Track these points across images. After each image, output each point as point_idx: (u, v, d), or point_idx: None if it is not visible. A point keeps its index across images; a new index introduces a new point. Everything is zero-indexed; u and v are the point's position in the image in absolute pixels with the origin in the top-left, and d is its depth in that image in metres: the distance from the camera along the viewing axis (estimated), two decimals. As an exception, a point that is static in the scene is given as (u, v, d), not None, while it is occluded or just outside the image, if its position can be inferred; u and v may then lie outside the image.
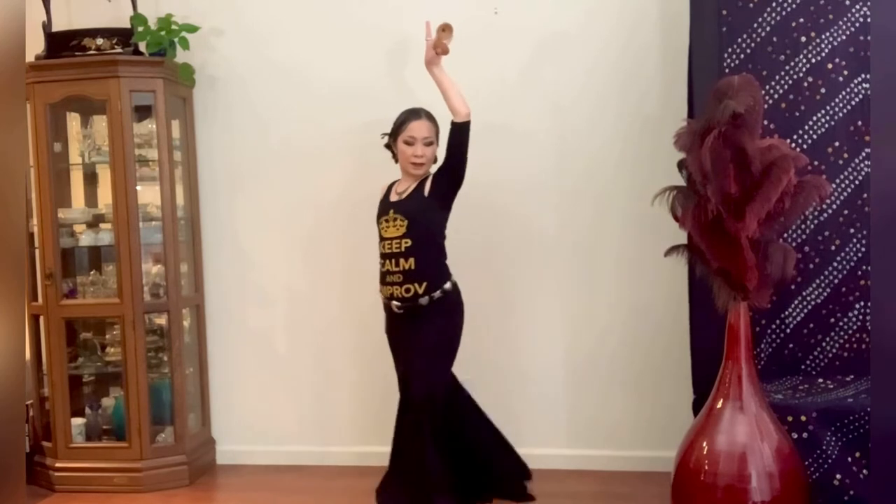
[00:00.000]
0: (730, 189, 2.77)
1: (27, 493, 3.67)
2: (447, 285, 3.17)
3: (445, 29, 3.17)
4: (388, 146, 3.30)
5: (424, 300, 3.13)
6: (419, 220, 3.15)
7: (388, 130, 3.27)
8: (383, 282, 3.21)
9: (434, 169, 3.25)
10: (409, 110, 3.24)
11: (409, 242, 3.12)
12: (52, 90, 3.79)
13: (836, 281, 3.30)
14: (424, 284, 3.12)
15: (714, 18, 3.30)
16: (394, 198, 3.25)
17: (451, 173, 3.16)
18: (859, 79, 3.26)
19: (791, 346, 3.33)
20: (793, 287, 3.26)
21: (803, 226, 3.29)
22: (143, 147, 3.89)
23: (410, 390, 3.19)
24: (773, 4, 3.29)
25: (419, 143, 3.18)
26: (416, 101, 3.41)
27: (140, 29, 3.82)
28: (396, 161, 3.29)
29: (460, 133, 3.12)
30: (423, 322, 3.16)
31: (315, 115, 4.03)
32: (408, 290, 3.13)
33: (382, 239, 3.21)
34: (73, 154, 4.08)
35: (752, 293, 2.82)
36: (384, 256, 3.19)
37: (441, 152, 3.22)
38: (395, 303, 3.17)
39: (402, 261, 3.12)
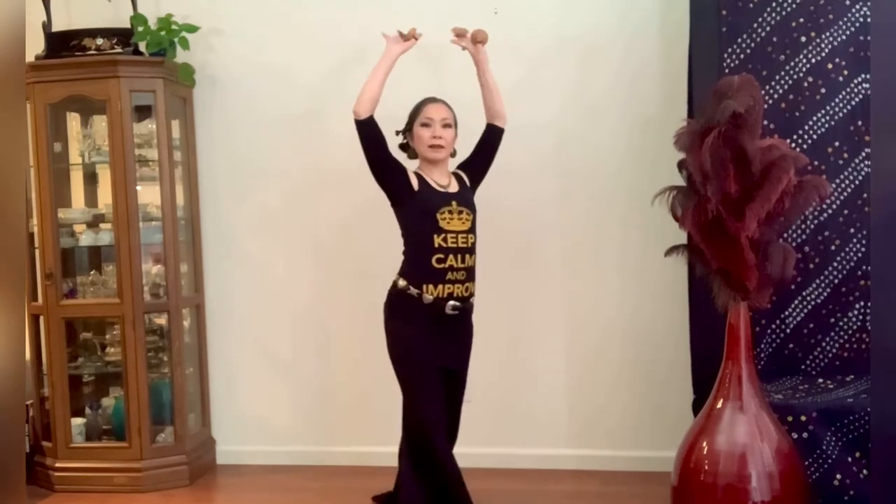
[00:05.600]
0: (730, 189, 2.77)
1: (27, 493, 3.67)
2: None
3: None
4: (402, 146, 3.16)
5: (472, 301, 3.05)
6: (475, 216, 3.07)
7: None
8: (440, 279, 2.93)
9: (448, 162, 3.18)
10: (424, 98, 3.12)
11: (473, 239, 3.01)
12: (52, 90, 3.78)
13: (836, 281, 3.30)
14: (474, 284, 3.05)
15: (714, 18, 3.30)
16: (440, 189, 3.04)
17: (481, 171, 3.17)
18: (859, 79, 3.26)
19: (791, 346, 3.33)
20: (793, 287, 3.26)
21: (803, 226, 3.29)
22: (143, 147, 3.89)
23: (457, 395, 3.12)
24: (773, 4, 3.29)
25: (437, 125, 3.01)
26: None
27: (140, 29, 3.82)
28: (410, 158, 3.16)
29: (499, 137, 3.20)
30: (465, 324, 3.09)
31: (315, 115, 4.02)
32: (467, 290, 2.98)
33: (442, 231, 2.93)
34: (73, 154, 4.08)
35: (752, 293, 2.82)
36: (445, 251, 2.93)
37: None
38: (452, 303, 2.94)
39: (467, 257, 2.97)
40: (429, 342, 2.97)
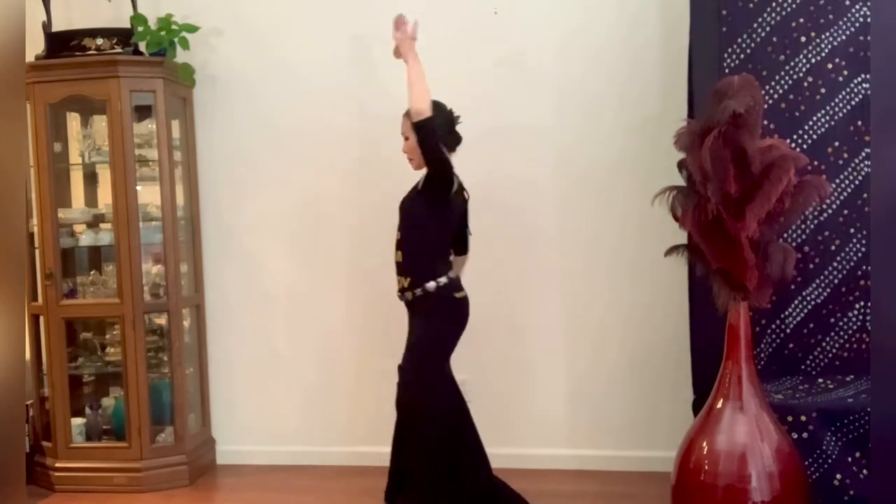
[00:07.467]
0: (730, 189, 2.77)
1: (27, 493, 3.67)
2: (430, 284, 3.13)
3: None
4: None
5: (409, 295, 3.17)
6: (407, 215, 3.20)
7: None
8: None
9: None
10: None
11: (399, 236, 3.20)
12: (52, 90, 3.79)
13: (836, 281, 3.30)
14: (409, 280, 3.16)
15: (714, 18, 3.30)
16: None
17: (429, 171, 3.09)
18: (859, 79, 3.26)
19: (791, 346, 3.33)
20: (793, 287, 3.26)
21: (803, 226, 3.29)
22: (143, 147, 3.89)
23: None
24: (773, 4, 3.29)
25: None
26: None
27: (140, 29, 3.82)
28: None
29: (417, 132, 3.02)
30: (414, 318, 3.23)
31: (315, 114, 4.02)
32: (399, 283, 3.20)
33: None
34: (73, 154, 4.08)
35: (752, 293, 2.82)
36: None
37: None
38: (397, 292, 3.24)
39: (397, 253, 3.20)
40: None
